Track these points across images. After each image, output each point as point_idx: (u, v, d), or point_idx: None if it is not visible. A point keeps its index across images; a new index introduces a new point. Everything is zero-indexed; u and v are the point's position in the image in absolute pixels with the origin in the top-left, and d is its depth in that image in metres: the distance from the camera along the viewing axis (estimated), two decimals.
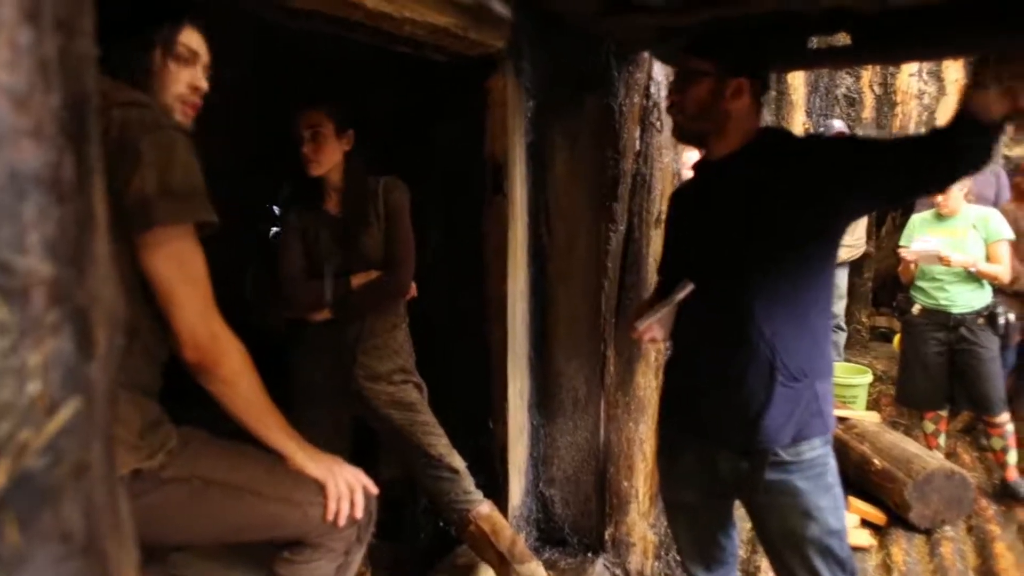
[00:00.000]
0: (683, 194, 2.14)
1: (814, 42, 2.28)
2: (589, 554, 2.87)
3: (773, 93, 7.16)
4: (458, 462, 2.51)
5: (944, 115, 7.16)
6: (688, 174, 2.12)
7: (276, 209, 3.55)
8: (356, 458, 2.69)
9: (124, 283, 1.31)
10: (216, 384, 1.40)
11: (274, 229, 3.63)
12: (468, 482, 2.53)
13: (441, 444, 2.49)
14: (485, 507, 2.51)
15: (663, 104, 2.49)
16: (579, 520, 2.91)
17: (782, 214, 1.78)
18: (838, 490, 1.89)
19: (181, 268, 1.32)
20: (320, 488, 1.55)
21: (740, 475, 1.88)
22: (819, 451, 1.84)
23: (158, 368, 1.45)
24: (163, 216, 1.26)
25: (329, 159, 2.40)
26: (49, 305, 0.47)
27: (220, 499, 1.43)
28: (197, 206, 1.32)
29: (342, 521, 1.56)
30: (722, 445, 1.91)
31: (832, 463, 1.88)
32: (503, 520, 2.55)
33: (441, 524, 2.95)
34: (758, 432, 1.81)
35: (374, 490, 1.65)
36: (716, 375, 1.88)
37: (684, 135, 1.98)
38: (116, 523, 0.56)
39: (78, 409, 0.50)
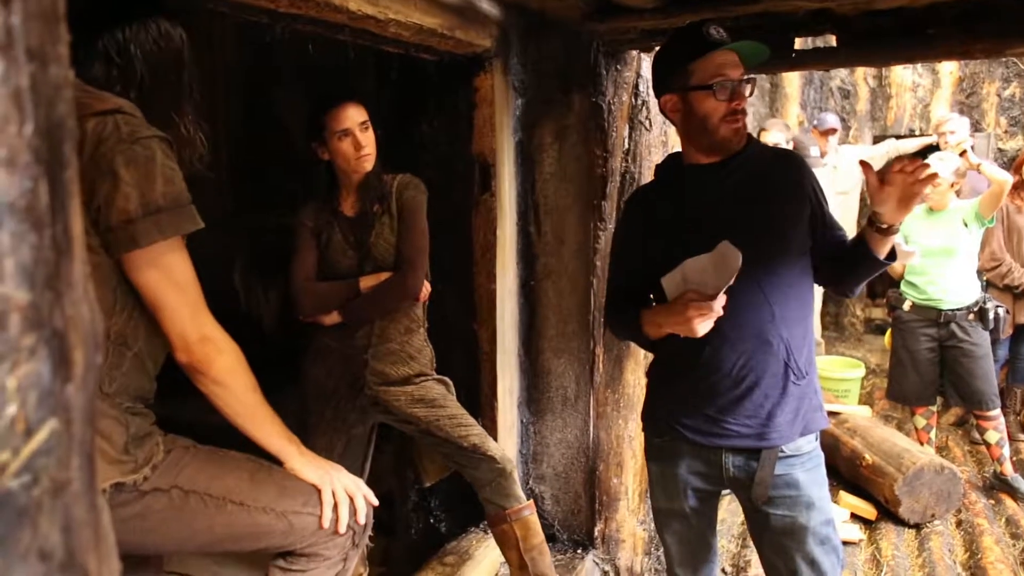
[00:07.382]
0: (651, 198, 2.05)
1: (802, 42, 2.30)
2: (579, 550, 2.90)
3: (767, 85, 7.16)
4: (494, 449, 2.40)
5: (938, 107, 7.17)
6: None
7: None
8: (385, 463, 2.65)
9: (114, 293, 1.31)
10: (209, 385, 1.39)
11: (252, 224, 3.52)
12: (509, 468, 2.42)
13: (473, 434, 2.37)
14: (525, 511, 2.44)
15: (651, 102, 2.50)
16: (569, 517, 2.93)
17: (782, 215, 1.86)
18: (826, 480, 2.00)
19: (168, 276, 1.31)
20: (307, 498, 1.52)
21: (749, 473, 1.92)
22: (814, 444, 1.94)
23: (151, 375, 1.44)
24: (148, 235, 1.26)
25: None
26: (25, 330, 0.48)
27: (200, 509, 1.41)
28: (181, 218, 1.30)
29: (341, 528, 1.53)
30: (731, 445, 1.92)
31: (822, 455, 1.98)
32: (538, 527, 2.48)
33: (431, 520, 2.97)
34: (771, 431, 1.87)
35: (374, 501, 1.62)
36: (730, 376, 1.87)
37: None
38: (97, 538, 0.57)
39: (55, 429, 0.51)
